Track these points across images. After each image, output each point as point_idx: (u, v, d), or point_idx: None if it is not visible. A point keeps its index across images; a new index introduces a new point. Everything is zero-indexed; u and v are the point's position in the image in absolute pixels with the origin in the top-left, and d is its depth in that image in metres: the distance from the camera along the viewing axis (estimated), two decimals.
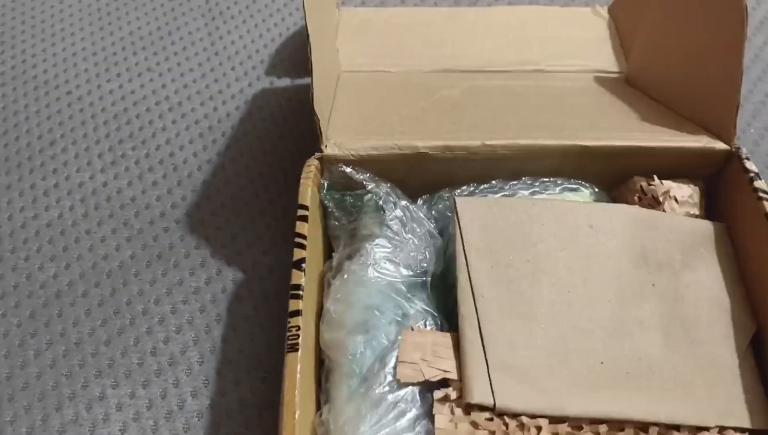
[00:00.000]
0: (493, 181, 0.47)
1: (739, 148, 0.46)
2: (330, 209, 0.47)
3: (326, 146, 0.47)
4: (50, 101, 0.64)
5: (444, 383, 0.36)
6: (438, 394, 0.36)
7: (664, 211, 0.45)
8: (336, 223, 0.47)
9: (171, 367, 0.47)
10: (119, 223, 0.55)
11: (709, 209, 0.48)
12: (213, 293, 0.51)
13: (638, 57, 0.60)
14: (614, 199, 0.49)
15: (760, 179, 0.44)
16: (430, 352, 0.36)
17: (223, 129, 0.62)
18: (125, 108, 0.64)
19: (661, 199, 0.45)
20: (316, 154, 0.47)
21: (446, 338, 0.38)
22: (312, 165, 0.46)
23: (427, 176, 0.48)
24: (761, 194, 0.43)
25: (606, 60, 0.64)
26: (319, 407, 0.40)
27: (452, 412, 0.35)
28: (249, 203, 0.56)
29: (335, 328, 0.41)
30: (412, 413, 0.36)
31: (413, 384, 0.36)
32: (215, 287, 0.51)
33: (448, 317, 0.44)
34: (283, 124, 0.62)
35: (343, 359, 0.39)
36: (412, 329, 0.39)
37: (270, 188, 0.57)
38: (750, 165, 0.45)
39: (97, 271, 0.52)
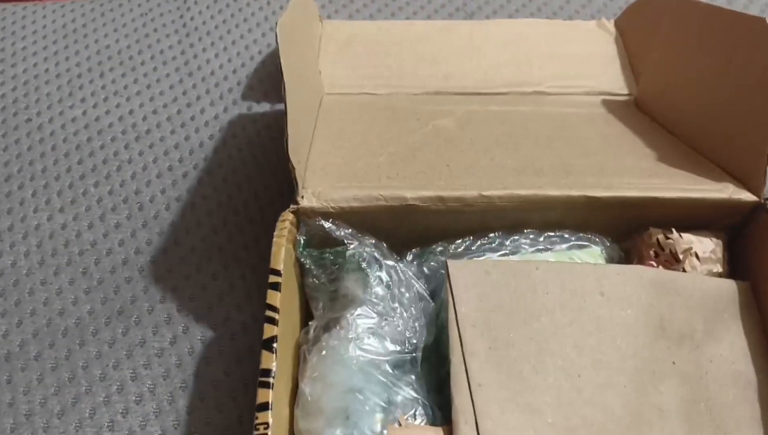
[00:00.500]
0: (492, 235, 0.42)
1: (767, 200, 0.41)
2: (308, 267, 0.42)
3: (303, 197, 0.42)
4: (7, 130, 0.59)
5: None
6: None
7: (683, 269, 0.40)
8: (315, 281, 0.42)
9: None
10: (77, 271, 0.50)
11: (732, 263, 0.43)
12: (179, 355, 0.46)
13: (649, 80, 0.55)
14: (627, 253, 0.44)
15: None
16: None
17: (195, 161, 0.57)
18: (89, 137, 0.58)
19: (681, 256, 0.40)
20: (291, 206, 0.42)
21: (438, 434, 0.33)
22: (286, 220, 0.41)
23: (417, 228, 0.43)
24: None
25: (613, 80, 0.59)
26: None
27: None
28: (222, 248, 0.51)
29: (311, 416, 0.36)
30: None
31: None
32: (181, 348, 0.46)
33: (439, 390, 0.39)
34: (261, 155, 0.57)
35: None
36: (399, 424, 0.34)
37: (245, 231, 0.52)
38: None
39: (52, 329, 0.47)
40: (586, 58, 0.61)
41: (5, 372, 0.45)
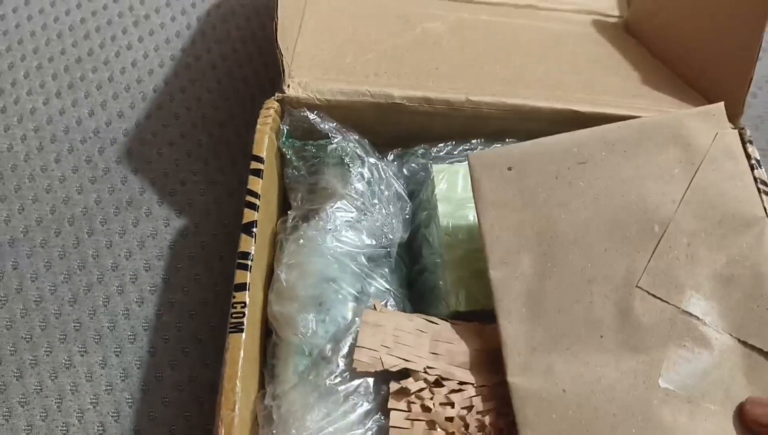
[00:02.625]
0: (474, 141, 0.43)
1: (743, 129, 0.42)
2: (289, 157, 0.42)
3: (289, 86, 0.41)
4: None
5: (403, 374, 0.33)
6: (394, 386, 0.32)
7: None
8: (295, 172, 0.42)
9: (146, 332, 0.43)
10: (81, 160, 0.48)
11: None
12: (191, 247, 0.46)
13: (641, 2, 0.55)
14: None
15: (761, 168, 0.40)
16: (391, 338, 0.32)
17: (196, 51, 0.54)
18: (82, 18, 0.55)
19: None
20: (277, 94, 0.41)
21: (410, 322, 0.34)
22: (271, 108, 0.40)
23: (401, 128, 0.43)
24: (760, 186, 0.40)
25: (605, 0, 0.58)
26: (263, 385, 0.36)
27: (409, 408, 0.32)
28: (230, 142, 0.50)
29: (285, 300, 0.37)
30: (364, 407, 0.32)
31: (369, 374, 0.32)
32: (193, 241, 0.46)
33: (410, 284, 0.41)
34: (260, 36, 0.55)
35: (292, 337, 0.35)
36: (375, 308, 0.35)
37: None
38: (752, 150, 0.41)
39: (57, 217, 0.46)
40: None
41: (10, 258, 0.44)
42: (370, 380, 0.33)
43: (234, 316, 0.33)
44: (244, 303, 0.34)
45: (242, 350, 0.33)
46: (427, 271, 0.39)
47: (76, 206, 0.47)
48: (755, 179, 0.40)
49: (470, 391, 0.32)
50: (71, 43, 0.54)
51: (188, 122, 0.51)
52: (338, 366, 0.33)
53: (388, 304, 0.36)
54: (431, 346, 0.32)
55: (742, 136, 0.42)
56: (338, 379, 0.33)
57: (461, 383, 0.32)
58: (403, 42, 0.48)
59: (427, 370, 0.31)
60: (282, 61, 0.40)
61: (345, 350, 0.34)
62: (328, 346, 0.34)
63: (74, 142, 0.49)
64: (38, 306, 0.43)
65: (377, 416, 0.33)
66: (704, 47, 0.46)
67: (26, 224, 0.46)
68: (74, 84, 0.52)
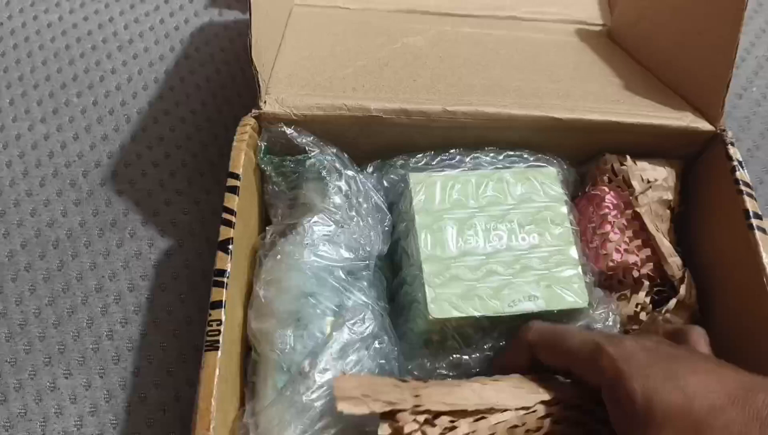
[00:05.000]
0: (453, 151, 0.42)
1: (724, 131, 0.42)
2: (267, 173, 0.42)
3: (265, 102, 0.41)
4: None
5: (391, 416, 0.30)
6: (384, 429, 0.29)
7: (635, 196, 0.41)
8: (274, 188, 0.42)
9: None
10: (65, 183, 0.48)
11: (686, 192, 0.44)
12: (175, 267, 0.46)
13: (624, 10, 0.55)
14: (583, 177, 0.44)
15: (743, 169, 0.40)
16: (369, 390, 0.30)
17: (180, 72, 0.55)
18: (67, 44, 0.55)
19: (633, 182, 0.41)
20: (253, 111, 0.41)
21: (384, 381, 0.31)
22: (247, 124, 0.40)
23: (380, 140, 0.43)
24: (742, 187, 0.39)
25: (588, 10, 0.58)
26: (244, 402, 0.36)
27: None
28: (214, 163, 0.50)
29: (264, 317, 0.36)
30: (339, 425, 0.32)
31: (359, 411, 0.29)
32: (177, 261, 0.46)
33: (391, 297, 0.40)
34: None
35: (270, 353, 0.35)
36: (344, 373, 0.33)
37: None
38: (734, 152, 0.41)
39: (42, 241, 0.46)
40: None
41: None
42: None
43: (210, 334, 0.33)
44: (220, 320, 0.34)
45: (218, 368, 0.32)
46: (406, 284, 0.39)
47: (60, 229, 0.47)
48: (736, 181, 0.40)
49: (463, 427, 0.30)
50: (56, 69, 0.54)
51: (172, 143, 0.51)
52: (315, 382, 0.33)
53: (366, 316, 0.35)
54: (411, 390, 0.30)
55: (724, 137, 0.42)
56: (314, 395, 0.32)
57: (453, 420, 0.30)
58: (382, 56, 0.48)
59: (415, 408, 0.30)
60: (257, 78, 0.40)
61: (322, 365, 0.33)
62: (306, 362, 0.34)
63: (59, 167, 0.49)
64: (23, 329, 0.43)
65: (351, 430, 0.32)
66: (684, 52, 0.46)
67: (11, 248, 0.46)
68: (59, 109, 0.52)
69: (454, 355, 0.36)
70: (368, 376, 0.33)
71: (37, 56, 0.55)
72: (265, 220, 0.43)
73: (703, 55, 0.43)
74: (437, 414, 0.29)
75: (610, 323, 0.38)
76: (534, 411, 0.30)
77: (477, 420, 0.30)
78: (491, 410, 0.30)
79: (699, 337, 0.33)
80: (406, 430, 0.29)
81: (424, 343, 0.37)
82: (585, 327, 0.38)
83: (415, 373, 0.37)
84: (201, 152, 0.51)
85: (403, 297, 0.39)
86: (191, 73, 0.55)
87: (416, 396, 0.30)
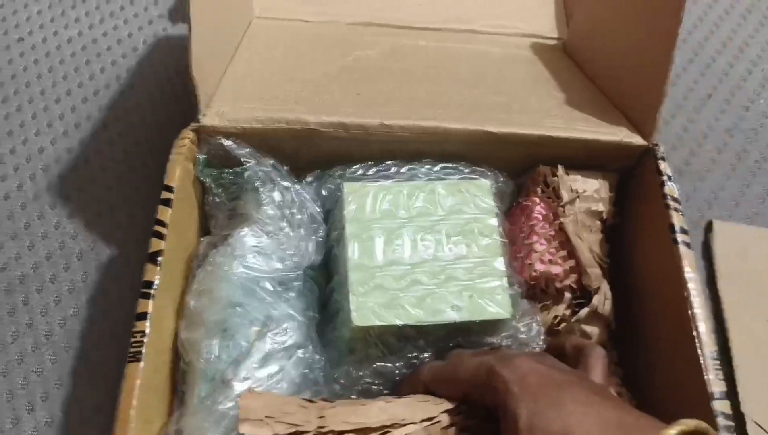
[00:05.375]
0: (389, 162, 0.43)
1: (656, 146, 0.43)
2: (207, 185, 0.42)
3: (205, 115, 0.42)
4: None
5: None
6: None
7: (563, 207, 0.42)
8: (215, 200, 0.43)
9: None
10: (12, 186, 0.50)
11: (621, 205, 0.45)
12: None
13: (578, 25, 0.56)
14: (519, 188, 0.45)
15: (672, 183, 0.41)
16: (275, 411, 0.31)
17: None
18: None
19: (562, 193, 0.42)
20: (192, 124, 0.42)
21: (289, 401, 0.32)
22: (186, 138, 0.41)
23: (320, 154, 0.44)
24: (669, 202, 0.40)
25: (546, 24, 0.59)
26: (173, 411, 0.36)
27: None
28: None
29: (193, 326, 0.37)
30: None
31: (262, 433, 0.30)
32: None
33: (324, 305, 0.41)
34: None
35: (197, 362, 0.36)
36: (251, 391, 0.34)
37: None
38: (664, 166, 0.41)
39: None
40: (522, 0, 0.61)
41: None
42: None
43: (133, 345, 0.34)
44: (144, 332, 0.34)
45: (139, 379, 0.33)
46: (335, 291, 0.39)
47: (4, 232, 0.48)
48: (664, 195, 0.40)
49: None
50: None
51: (124, 166, 0.52)
52: (234, 390, 0.33)
53: (288, 326, 0.36)
54: (317, 411, 0.31)
55: (655, 152, 0.42)
56: (232, 404, 0.33)
57: None
58: (331, 70, 0.49)
59: (318, 430, 0.30)
60: (195, 91, 0.41)
61: (243, 374, 0.34)
62: (229, 371, 0.34)
63: (7, 170, 0.51)
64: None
65: None
66: (626, 68, 0.46)
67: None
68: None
69: (378, 363, 0.37)
70: (275, 395, 0.34)
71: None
72: (205, 231, 0.44)
73: (642, 72, 0.44)
74: (341, 433, 0.30)
75: (534, 334, 0.39)
76: (438, 421, 0.31)
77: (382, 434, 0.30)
78: (395, 425, 0.31)
79: (596, 360, 0.34)
80: None
81: (349, 350, 0.38)
82: (509, 337, 0.38)
83: (342, 381, 0.38)
84: (150, 161, 0.52)
85: (332, 305, 0.39)
86: (145, 83, 0.56)
87: (321, 417, 0.31)
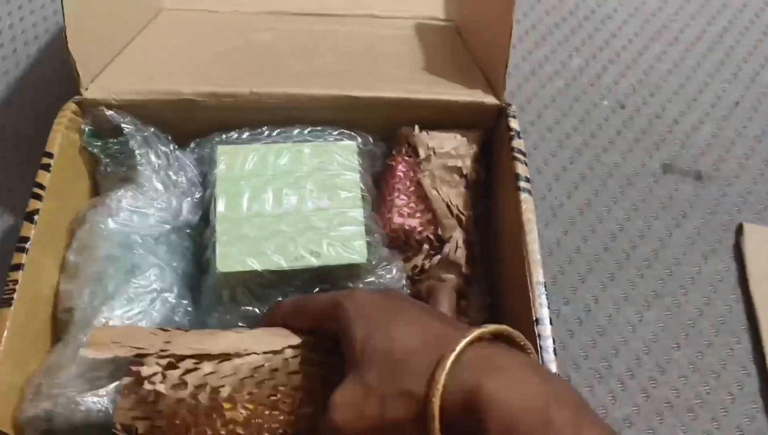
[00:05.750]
0: (264, 128, 0.46)
1: (509, 105, 0.46)
2: (96, 154, 0.45)
3: (87, 89, 0.45)
4: None
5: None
6: (125, 380, 0.32)
7: (420, 163, 0.45)
8: (106, 169, 0.46)
9: None
10: None
11: (489, 161, 0.48)
12: None
13: (465, 5, 0.59)
14: (390, 149, 0.48)
15: (520, 138, 0.44)
16: (122, 336, 0.33)
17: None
18: None
19: (420, 151, 0.45)
20: (75, 97, 0.45)
21: (140, 330, 0.35)
22: (68, 110, 0.44)
23: (199, 122, 0.47)
24: (515, 154, 0.44)
25: (440, 7, 0.62)
26: None
27: (140, 399, 0.32)
28: None
29: (71, 279, 0.40)
30: (112, 367, 0.35)
31: (102, 355, 0.33)
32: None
33: (199, 256, 0.44)
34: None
35: (71, 310, 0.39)
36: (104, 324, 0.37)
37: None
38: (513, 123, 0.45)
39: None
40: None
41: None
42: None
43: (6, 292, 0.37)
44: (16, 281, 0.37)
45: (8, 322, 0.36)
46: (207, 245, 0.42)
47: None
48: (512, 148, 0.44)
49: (206, 367, 0.33)
50: None
51: (11, 143, 0.55)
52: (93, 329, 0.36)
53: (153, 273, 0.39)
54: (165, 337, 0.33)
55: (507, 110, 0.46)
56: None
57: (197, 362, 0.33)
58: (220, 50, 0.52)
59: (160, 353, 0.32)
60: (75, 66, 0.44)
61: (104, 314, 0.37)
62: (94, 313, 0.37)
63: None
64: None
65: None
66: (484, 38, 0.50)
67: None
68: None
69: (244, 307, 0.40)
70: (128, 326, 0.37)
71: None
72: None
73: (494, 41, 0.48)
74: (182, 357, 0.33)
75: (395, 278, 0.42)
76: (281, 352, 0.34)
77: (221, 362, 0.33)
78: (237, 354, 0.33)
79: (442, 294, 0.38)
80: (147, 372, 0.32)
81: (218, 298, 0.41)
82: (370, 283, 0.42)
83: (213, 326, 0.40)
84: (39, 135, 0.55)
85: (204, 256, 0.42)
86: (42, 65, 0.59)
87: (167, 342, 0.33)
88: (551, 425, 0.25)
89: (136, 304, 0.38)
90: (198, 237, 0.44)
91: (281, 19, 0.59)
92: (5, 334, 0.36)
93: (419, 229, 0.44)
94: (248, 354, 0.34)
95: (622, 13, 0.66)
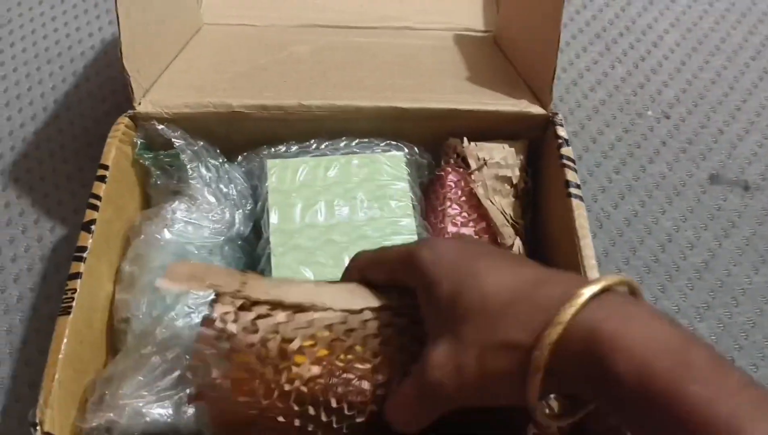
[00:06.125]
0: (312, 141, 0.47)
1: (555, 114, 0.46)
2: (147, 166, 0.46)
3: (140, 103, 0.46)
4: None
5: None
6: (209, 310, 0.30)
7: (471, 174, 0.45)
8: (157, 182, 0.46)
9: None
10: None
11: (536, 170, 0.48)
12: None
13: (502, 17, 0.60)
14: (437, 160, 0.49)
15: (568, 146, 0.44)
16: (199, 274, 0.31)
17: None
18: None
19: (470, 161, 0.45)
20: (128, 111, 0.46)
21: (221, 269, 0.33)
22: (121, 123, 0.45)
23: (246, 134, 0.48)
24: (564, 161, 0.43)
25: (477, 18, 0.63)
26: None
27: (215, 337, 0.30)
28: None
29: (126, 289, 0.41)
30: (175, 374, 0.36)
31: (177, 288, 0.31)
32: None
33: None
34: None
35: (127, 319, 0.39)
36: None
37: None
38: (561, 131, 0.45)
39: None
40: None
41: None
42: (185, 347, 0.37)
43: (64, 301, 0.37)
44: (75, 289, 0.38)
45: (68, 330, 0.36)
46: (260, 256, 0.43)
47: None
48: (561, 156, 0.44)
49: (279, 316, 0.31)
50: None
51: (69, 152, 0.56)
52: (156, 338, 0.37)
53: None
54: (242, 279, 0.31)
55: (554, 120, 0.46)
56: (154, 349, 0.36)
57: (271, 309, 0.31)
58: (263, 63, 0.53)
59: (236, 293, 0.30)
60: (129, 81, 0.45)
61: (164, 325, 0.37)
62: (153, 323, 0.38)
63: None
64: None
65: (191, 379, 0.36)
66: (531, 49, 0.50)
67: None
68: None
69: None
70: (206, 263, 0.36)
71: None
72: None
73: (540, 52, 0.48)
74: (256, 302, 0.30)
75: None
76: (360, 313, 0.31)
77: (295, 312, 0.31)
78: (314, 307, 0.31)
79: None
80: (220, 310, 0.30)
81: None
82: None
83: None
84: (94, 147, 0.56)
85: (258, 267, 0.43)
86: (98, 79, 0.60)
87: (243, 283, 0.31)
88: (690, 366, 0.23)
89: (196, 315, 0.38)
90: (247, 247, 0.45)
91: (318, 31, 0.60)
92: (65, 341, 0.36)
93: (474, 237, 0.44)
94: (325, 309, 0.31)
95: (662, 23, 0.66)
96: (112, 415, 0.34)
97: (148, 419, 0.33)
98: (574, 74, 0.62)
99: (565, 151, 0.44)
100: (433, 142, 0.49)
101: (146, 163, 0.46)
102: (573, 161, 0.44)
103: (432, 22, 0.62)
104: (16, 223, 0.52)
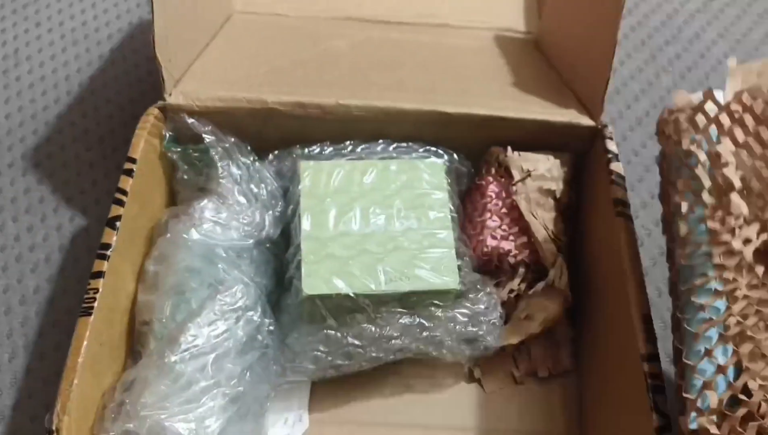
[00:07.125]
0: (347, 142, 0.45)
1: (605, 127, 0.44)
2: (174, 160, 0.44)
3: (170, 94, 0.44)
4: None
5: None
6: None
7: (514, 185, 0.43)
8: (183, 177, 0.45)
9: None
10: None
11: (579, 184, 0.46)
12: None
13: (545, 20, 0.57)
14: (478, 169, 0.46)
15: (618, 161, 0.42)
16: None
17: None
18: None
19: (513, 172, 0.43)
20: (158, 103, 0.44)
21: None
22: (151, 114, 0.43)
23: (280, 132, 0.46)
24: (614, 177, 0.41)
25: (517, 19, 0.60)
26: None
27: None
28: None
29: (150, 290, 0.39)
30: (200, 385, 0.34)
31: None
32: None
33: (280, 280, 0.42)
34: None
35: (151, 322, 0.37)
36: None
37: None
38: (611, 145, 0.43)
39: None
40: None
41: None
42: (209, 358, 0.35)
43: (86, 301, 0.35)
44: (97, 289, 0.36)
45: (88, 331, 0.34)
46: (289, 262, 0.41)
47: None
48: (610, 172, 0.41)
49: None
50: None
51: (94, 138, 0.54)
52: (180, 346, 0.35)
53: (238, 290, 0.37)
54: None
55: (603, 132, 0.44)
56: (178, 358, 0.34)
57: None
58: (300, 58, 0.51)
59: None
60: (161, 71, 0.43)
61: (191, 332, 0.35)
62: (178, 329, 0.36)
63: None
64: None
65: (215, 391, 0.34)
66: (580, 57, 0.48)
67: None
68: None
69: (327, 330, 0.38)
70: None
71: None
72: (172, 205, 0.45)
73: (591, 60, 0.45)
74: None
75: (488, 307, 0.39)
76: None
77: None
78: None
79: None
80: None
81: (300, 316, 0.39)
82: (464, 314, 0.39)
83: (293, 346, 0.39)
84: (120, 135, 0.54)
85: (287, 273, 0.41)
86: (124, 64, 0.59)
87: None
88: None
89: (222, 322, 0.36)
90: (275, 248, 0.43)
91: (353, 25, 0.58)
92: (85, 343, 0.34)
93: (514, 252, 0.42)
94: None
95: (710, 33, 0.63)
96: (132, 426, 0.32)
97: (169, 434, 0.32)
98: (617, 83, 0.60)
99: (615, 166, 0.42)
100: (473, 149, 0.46)
101: (174, 156, 0.44)
102: (623, 178, 0.41)
103: (471, 21, 0.60)
104: (35, 210, 0.50)
